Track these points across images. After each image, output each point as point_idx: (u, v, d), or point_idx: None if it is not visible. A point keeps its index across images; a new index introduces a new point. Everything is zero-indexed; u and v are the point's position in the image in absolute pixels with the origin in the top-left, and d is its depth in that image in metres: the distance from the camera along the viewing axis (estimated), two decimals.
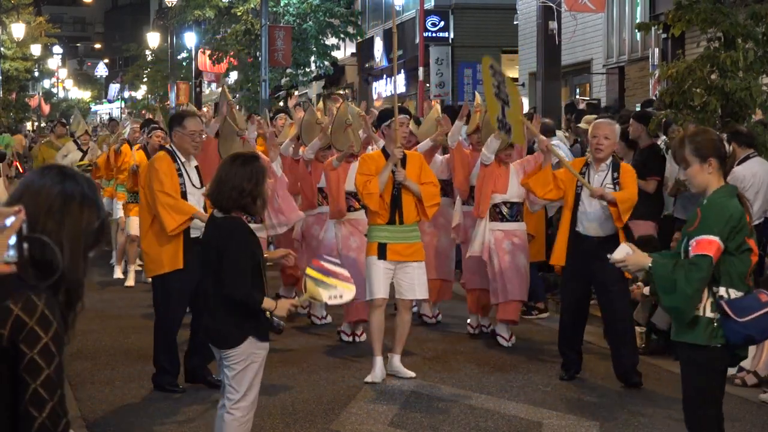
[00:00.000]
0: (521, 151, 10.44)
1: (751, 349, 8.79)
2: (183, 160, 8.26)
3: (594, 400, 8.23)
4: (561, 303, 9.37)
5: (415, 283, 8.82)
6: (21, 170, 31.70)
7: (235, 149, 9.50)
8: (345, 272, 5.96)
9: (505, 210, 10.11)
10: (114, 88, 76.48)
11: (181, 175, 8.21)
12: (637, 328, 9.82)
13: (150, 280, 8.95)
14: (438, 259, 10.96)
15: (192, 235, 8.12)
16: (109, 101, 78.19)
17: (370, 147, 10.44)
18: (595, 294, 8.91)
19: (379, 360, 8.76)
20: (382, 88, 32.92)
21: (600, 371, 9.21)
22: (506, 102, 8.79)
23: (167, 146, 8.48)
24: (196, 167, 8.42)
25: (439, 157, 11.26)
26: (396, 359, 8.87)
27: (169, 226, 8.05)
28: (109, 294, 13.19)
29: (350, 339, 10.18)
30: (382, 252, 8.74)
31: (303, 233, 11.01)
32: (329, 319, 11.16)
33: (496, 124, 9.06)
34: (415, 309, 11.34)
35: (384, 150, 8.96)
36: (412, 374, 8.79)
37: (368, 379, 8.68)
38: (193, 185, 8.27)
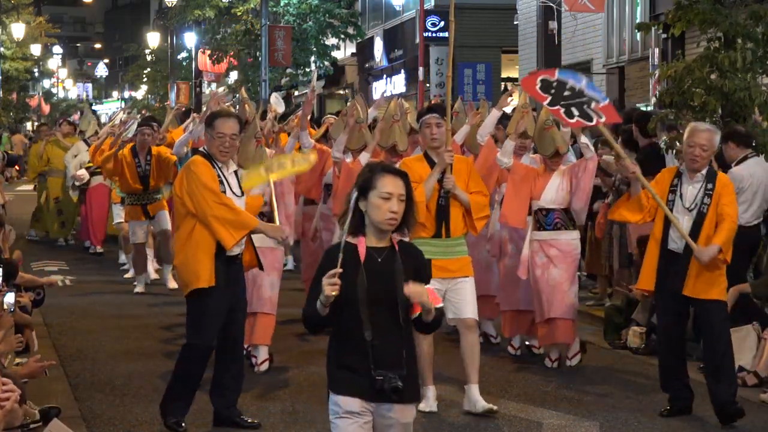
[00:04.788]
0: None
1: (752, 349, 8.79)
2: (220, 164, 7.31)
3: (594, 400, 8.23)
4: (658, 334, 8.33)
5: (468, 300, 7.88)
6: (19, 170, 31.66)
7: (249, 151, 9.17)
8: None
9: (541, 218, 9.20)
10: (87, 87, 75.80)
11: (221, 183, 7.25)
12: (637, 329, 9.83)
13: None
14: (478, 272, 9.19)
15: (233, 252, 7.29)
16: (90, 103, 77.50)
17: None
18: (694, 313, 7.90)
19: (431, 390, 7.85)
20: (381, 88, 32.90)
21: (600, 371, 9.21)
22: None
23: (201, 149, 7.57)
24: (235, 172, 7.46)
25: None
26: (474, 390, 7.81)
27: (228, 243, 7.14)
28: (108, 295, 13.17)
29: None
30: None
31: (305, 232, 10.89)
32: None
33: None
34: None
35: (426, 155, 8.03)
36: (494, 407, 7.77)
37: (422, 407, 7.56)
38: (234, 194, 7.32)
